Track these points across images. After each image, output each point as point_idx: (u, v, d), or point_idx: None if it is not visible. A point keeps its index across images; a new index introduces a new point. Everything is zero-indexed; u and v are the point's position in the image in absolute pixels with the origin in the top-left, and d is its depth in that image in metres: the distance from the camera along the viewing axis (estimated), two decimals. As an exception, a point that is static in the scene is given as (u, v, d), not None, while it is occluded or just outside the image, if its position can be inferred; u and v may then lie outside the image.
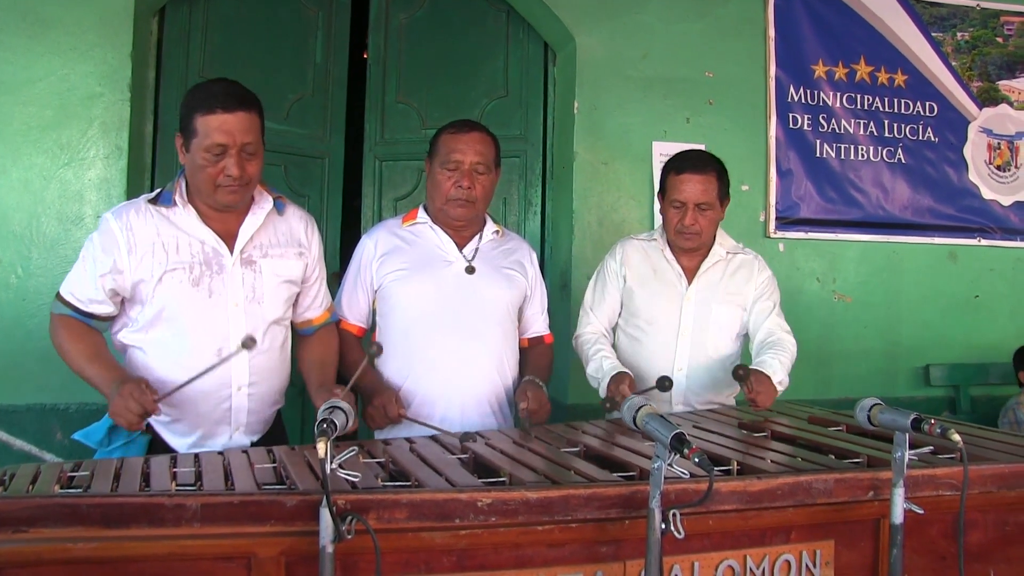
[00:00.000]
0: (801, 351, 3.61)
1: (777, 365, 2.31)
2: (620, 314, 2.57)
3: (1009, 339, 3.89)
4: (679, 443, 1.24)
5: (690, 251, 2.49)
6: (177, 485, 1.38)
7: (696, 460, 1.22)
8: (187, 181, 1.99)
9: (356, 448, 1.35)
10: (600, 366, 2.40)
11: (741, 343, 2.56)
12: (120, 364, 1.97)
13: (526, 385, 2.20)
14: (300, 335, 2.20)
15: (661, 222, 2.57)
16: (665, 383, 2.12)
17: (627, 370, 2.37)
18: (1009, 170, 3.98)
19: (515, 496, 1.34)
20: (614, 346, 2.55)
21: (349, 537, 1.23)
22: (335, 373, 2.17)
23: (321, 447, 1.14)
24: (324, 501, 1.18)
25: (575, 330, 2.60)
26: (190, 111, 1.89)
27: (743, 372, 2.18)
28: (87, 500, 1.24)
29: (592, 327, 2.54)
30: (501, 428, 2.21)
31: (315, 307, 2.20)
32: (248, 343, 1.86)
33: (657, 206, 2.67)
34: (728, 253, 2.53)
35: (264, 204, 2.06)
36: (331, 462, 1.17)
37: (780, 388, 2.32)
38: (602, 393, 2.37)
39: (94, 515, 1.23)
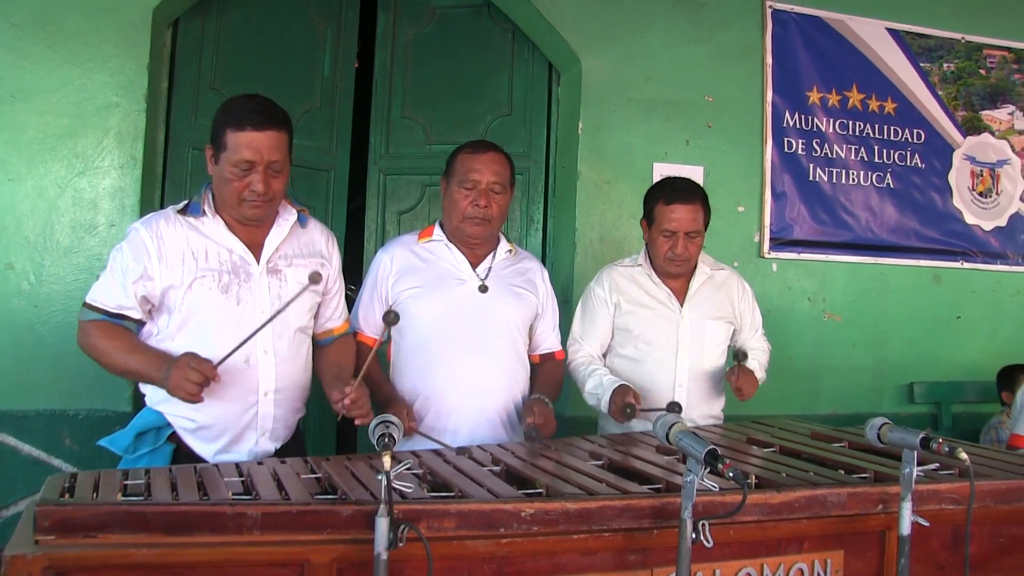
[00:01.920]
0: (792, 367, 3.80)
1: (756, 364, 2.64)
2: (613, 338, 2.65)
3: (989, 358, 4.04)
4: (713, 459, 1.33)
5: (677, 275, 2.60)
6: (232, 494, 1.44)
7: (731, 475, 1.31)
8: (214, 192, 2.06)
9: (410, 462, 1.42)
10: (600, 382, 2.49)
11: (727, 354, 2.72)
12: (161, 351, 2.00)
13: (533, 402, 2.27)
14: (319, 345, 2.27)
15: (644, 248, 2.68)
16: (676, 407, 2.21)
17: (627, 383, 2.45)
18: (990, 196, 4.14)
19: (556, 507, 1.43)
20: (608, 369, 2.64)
21: (401, 545, 1.30)
22: (351, 372, 2.23)
23: (387, 460, 1.21)
24: (383, 511, 1.25)
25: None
26: (222, 125, 1.97)
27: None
28: (152, 508, 1.30)
29: (584, 352, 2.61)
30: (513, 441, 2.29)
31: (335, 318, 2.28)
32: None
33: None
34: (711, 270, 2.68)
35: (288, 216, 2.14)
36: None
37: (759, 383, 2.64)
38: (603, 407, 2.45)
39: (158, 522, 1.29)
